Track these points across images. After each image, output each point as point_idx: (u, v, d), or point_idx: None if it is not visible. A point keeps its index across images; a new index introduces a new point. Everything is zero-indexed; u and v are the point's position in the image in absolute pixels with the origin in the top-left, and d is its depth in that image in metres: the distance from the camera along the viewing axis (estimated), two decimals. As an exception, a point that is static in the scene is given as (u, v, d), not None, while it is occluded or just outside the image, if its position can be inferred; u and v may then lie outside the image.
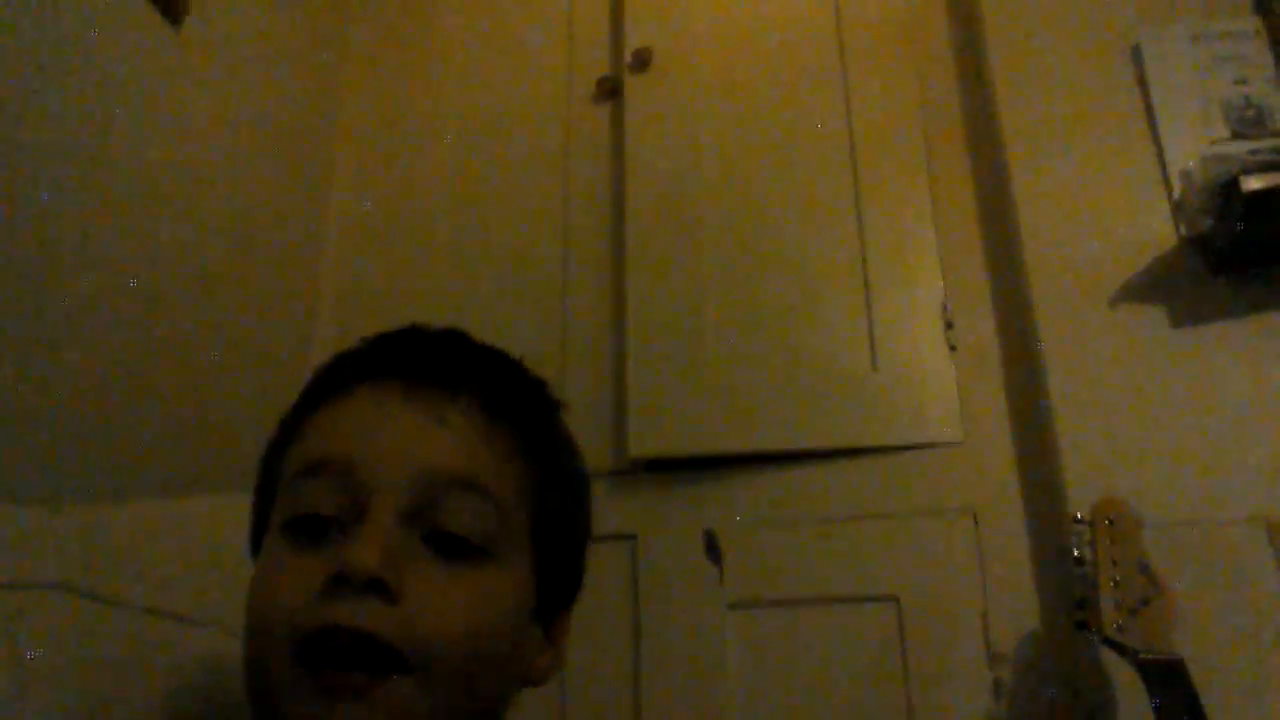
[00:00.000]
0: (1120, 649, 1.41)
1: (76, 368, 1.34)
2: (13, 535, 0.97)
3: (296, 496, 0.66)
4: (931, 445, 1.84)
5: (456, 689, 0.63)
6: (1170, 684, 1.35)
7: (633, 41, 2.18)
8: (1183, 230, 1.76)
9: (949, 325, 1.90)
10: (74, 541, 1.03)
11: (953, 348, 1.89)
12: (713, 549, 1.84)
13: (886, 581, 1.77)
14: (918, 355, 1.89)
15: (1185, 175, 1.75)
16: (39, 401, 1.27)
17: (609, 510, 1.87)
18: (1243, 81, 1.81)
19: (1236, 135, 1.77)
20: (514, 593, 0.67)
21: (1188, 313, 1.74)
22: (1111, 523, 1.48)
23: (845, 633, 1.75)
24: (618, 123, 2.18)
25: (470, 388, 0.69)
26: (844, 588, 1.78)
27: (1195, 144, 1.79)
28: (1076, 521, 1.51)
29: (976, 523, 1.78)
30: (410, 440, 0.65)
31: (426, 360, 0.70)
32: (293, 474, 0.67)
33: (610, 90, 2.21)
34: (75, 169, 1.36)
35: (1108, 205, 1.83)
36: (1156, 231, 1.79)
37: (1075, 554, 1.49)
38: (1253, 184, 1.58)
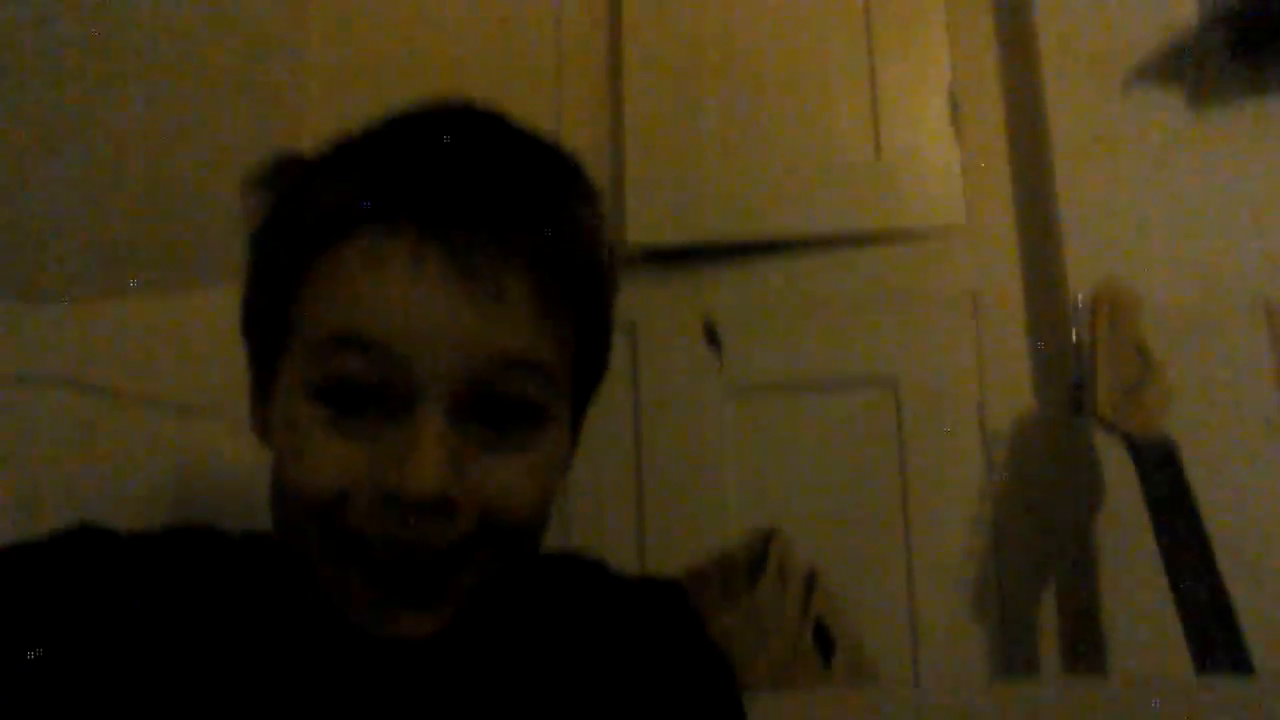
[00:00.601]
0: (1113, 430, 1.44)
1: (70, 162, 1.32)
2: (16, 332, 0.96)
3: (326, 365, 0.57)
4: (933, 230, 1.81)
5: (519, 552, 0.60)
6: (1160, 465, 1.38)
7: None
8: (1208, 6, 1.69)
9: (955, 107, 1.85)
10: (76, 337, 1.03)
11: (958, 131, 1.84)
12: (712, 336, 1.84)
13: (885, 366, 1.79)
14: (922, 138, 1.84)
15: (1211, -53, 1.66)
16: (34, 199, 1.25)
17: (608, 299, 1.86)
18: None
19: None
20: (563, 443, 0.62)
21: (1206, 93, 1.69)
22: (1112, 306, 1.48)
23: (843, 417, 1.78)
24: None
25: (522, 243, 0.57)
26: (843, 373, 1.80)
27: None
28: (1077, 305, 1.51)
29: (976, 307, 1.78)
30: (465, 321, 0.56)
31: (471, 200, 0.57)
32: (316, 337, 0.58)
33: None
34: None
35: (1126, -20, 1.75)
36: (1179, 9, 1.71)
37: (1074, 337, 1.50)
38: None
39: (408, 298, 0.56)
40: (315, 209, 0.60)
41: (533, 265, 0.57)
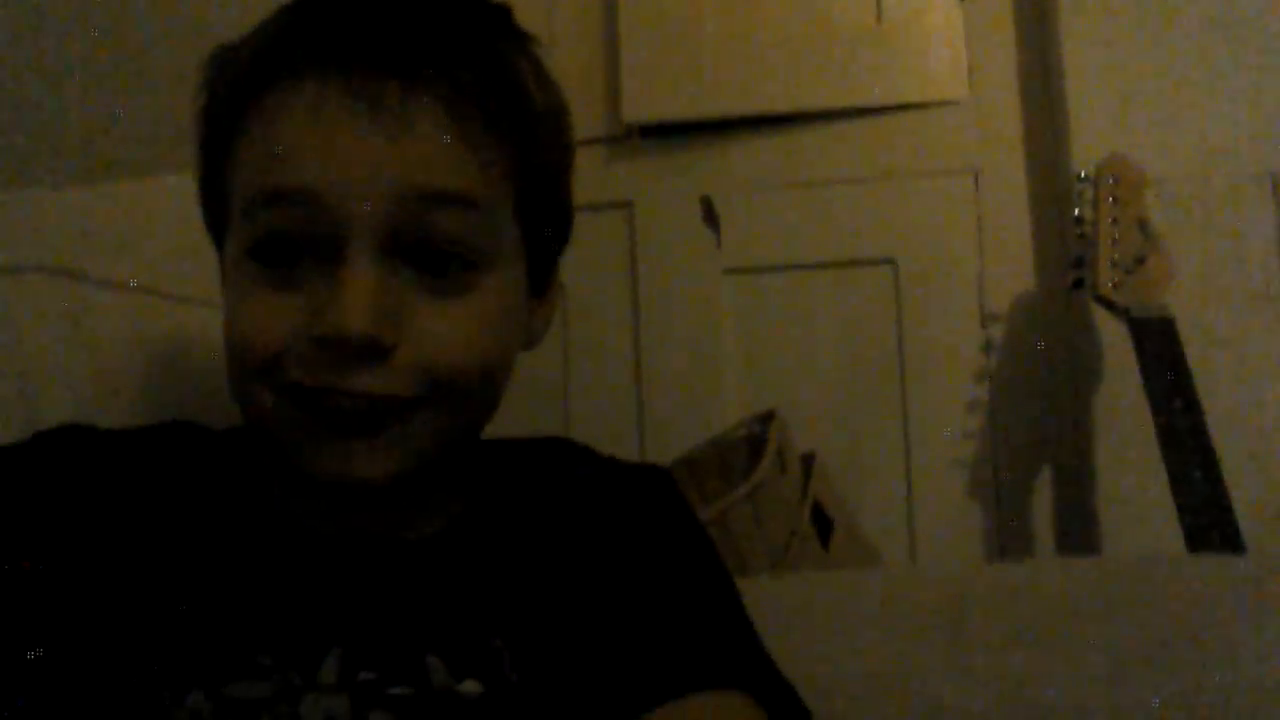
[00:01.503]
0: (1112, 307, 1.43)
1: (57, 50, 1.28)
2: (3, 220, 0.94)
3: (255, 224, 0.57)
4: (935, 103, 1.78)
5: (472, 407, 0.61)
6: (1159, 341, 1.38)
7: None
8: None
9: (960, -25, 1.79)
10: (63, 223, 1.01)
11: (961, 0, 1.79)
12: (710, 214, 1.82)
13: (884, 244, 1.77)
14: (924, 7, 1.79)
15: None
16: (20, 87, 1.22)
17: (604, 178, 1.84)
18: None
19: None
20: (512, 292, 0.62)
21: (1218, -36, 1.63)
22: (1115, 181, 1.46)
23: (841, 296, 1.77)
24: None
25: (430, 76, 0.56)
26: (841, 251, 1.78)
27: None
28: (1080, 180, 1.49)
29: (977, 183, 1.76)
30: (377, 157, 0.55)
31: (373, 39, 0.57)
32: (245, 198, 0.58)
33: None
34: None
35: None
36: None
37: (1076, 212, 1.48)
38: None
39: (317, 140, 0.56)
40: (233, 72, 0.61)
41: (446, 97, 0.57)
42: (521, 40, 0.64)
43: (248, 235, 0.58)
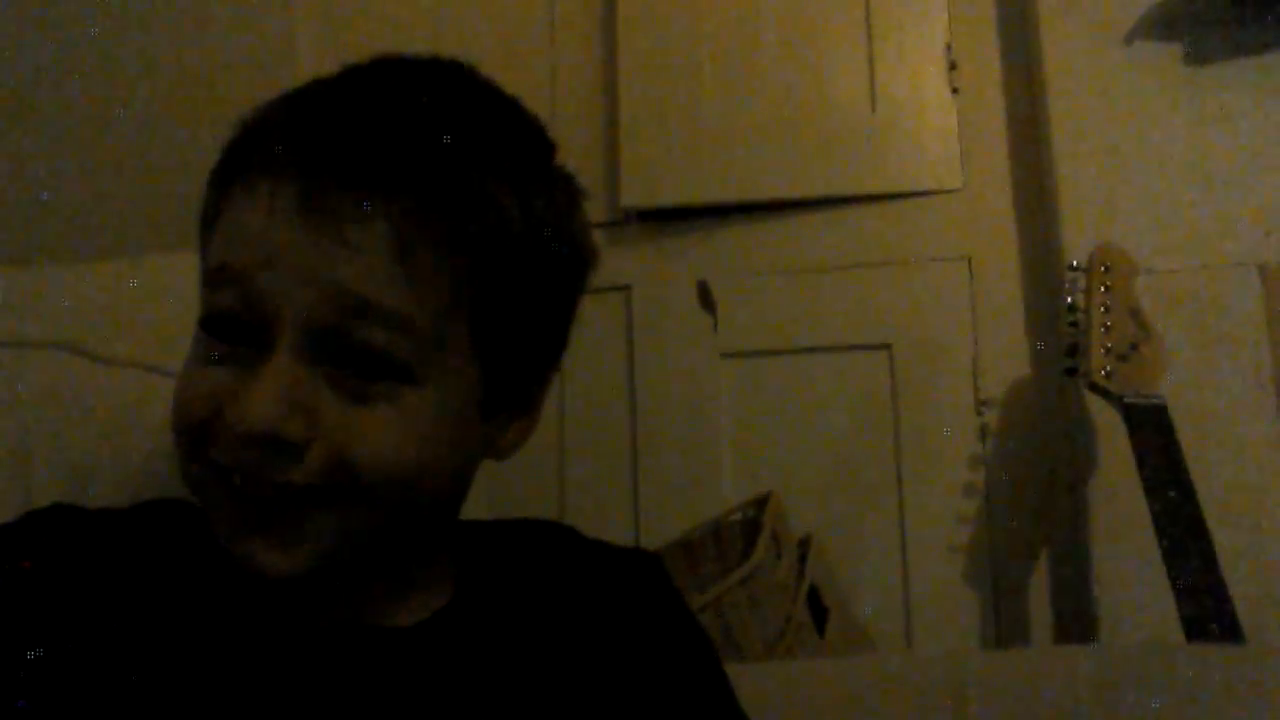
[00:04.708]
0: (1106, 394, 1.44)
1: (66, 129, 1.30)
2: (11, 296, 0.95)
3: (206, 297, 0.59)
4: (929, 191, 1.81)
5: (395, 512, 0.59)
6: (1153, 427, 1.38)
7: None
8: (1207, -40, 1.67)
9: (952, 66, 1.83)
10: (72, 300, 1.02)
11: (955, 90, 1.83)
12: (706, 299, 1.84)
13: (880, 329, 1.79)
14: (918, 98, 1.83)
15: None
16: (30, 166, 1.24)
17: (603, 261, 1.85)
18: None
19: None
20: (449, 410, 0.60)
21: (1203, 50, 1.68)
22: (1107, 269, 1.48)
23: (837, 380, 1.78)
24: None
25: (384, 198, 0.56)
26: (837, 336, 1.80)
27: None
28: (1072, 268, 1.51)
29: (971, 270, 1.78)
30: (313, 260, 0.56)
31: (331, 154, 0.57)
32: (205, 272, 0.60)
33: None
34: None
35: (1127, -66, 1.73)
36: (1178, -39, 1.70)
37: (1069, 300, 1.50)
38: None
39: (261, 231, 0.57)
40: (223, 157, 0.63)
41: (395, 216, 0.56)
42: (512, 159, 0.63)
43: (203, 307, 0.59)
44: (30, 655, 0.57)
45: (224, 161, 0.62)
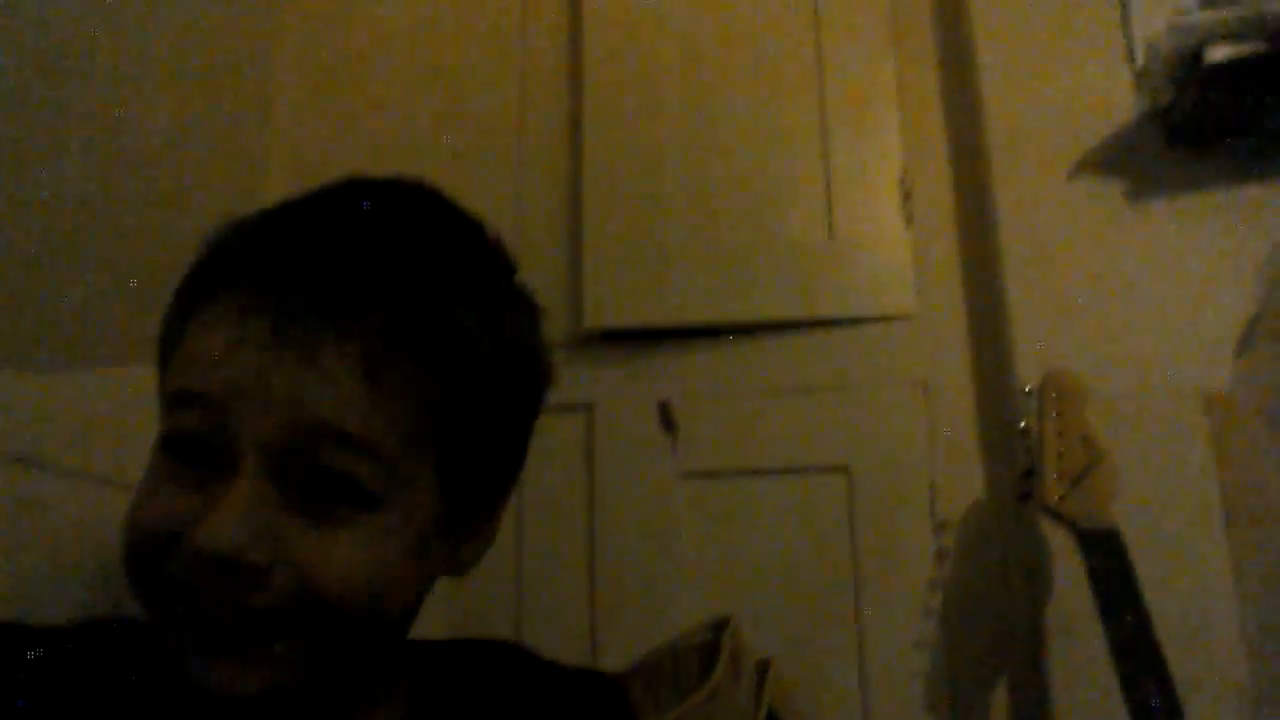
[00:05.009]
0: (1060, 519, 1.45)
1: (17, 235, 1.30)
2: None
3: (168, 418, 0.59)
4: (885, 317, 1.84)
5: (354, 633, 0.58)
6: (1106, 553, 1.39)
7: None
8: (1144, 102, 1.75)
9: (906, 196, 1.89)
10: (26, 411, 1.01)
11: (909, 220, 1.88)
12: (667, 419, 1.85)
13: (837, 452, 1.80)
14: (874, 227, 1.88)
15: (1150, 46, 1.73)
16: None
17: (564, 380, 1.84)
18: (1213, -50, 1.78)
19: (1205, 5, 1.74)
20: (413, 533, 0.60)
21: (1144, 186, 1.74)
22: (1058, 395, 1.51)
23: (796, 502, 1.79)
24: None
25: (354, 318, 0.57)
26: (795, 458, 1.81)
27: (1163, 14, 1.76)
28: (1025, 394, 1.53)
29: (927, 395, 1.81)
30: (277, 384, 0.56)
31: (301, 276, 0.58)
32: (167, 394, 0.60)
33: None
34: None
35: (1071, 77, 1.81)
36: (1118, 103, 1.77)
37: (1022, 425, 1.52)
38: (1216, 54, 1.56)
39: (228, 356, 0.57)
40: (188, 278, 0.63)
41: (361, 344, 0.57)
42: (477, 282, 0.64)
43: (164, 424, 0.59)
44: None
45: (190, 282, 0.63)
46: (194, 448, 0.58)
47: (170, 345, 0.63)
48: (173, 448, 0.58)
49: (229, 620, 0.55)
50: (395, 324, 0.58)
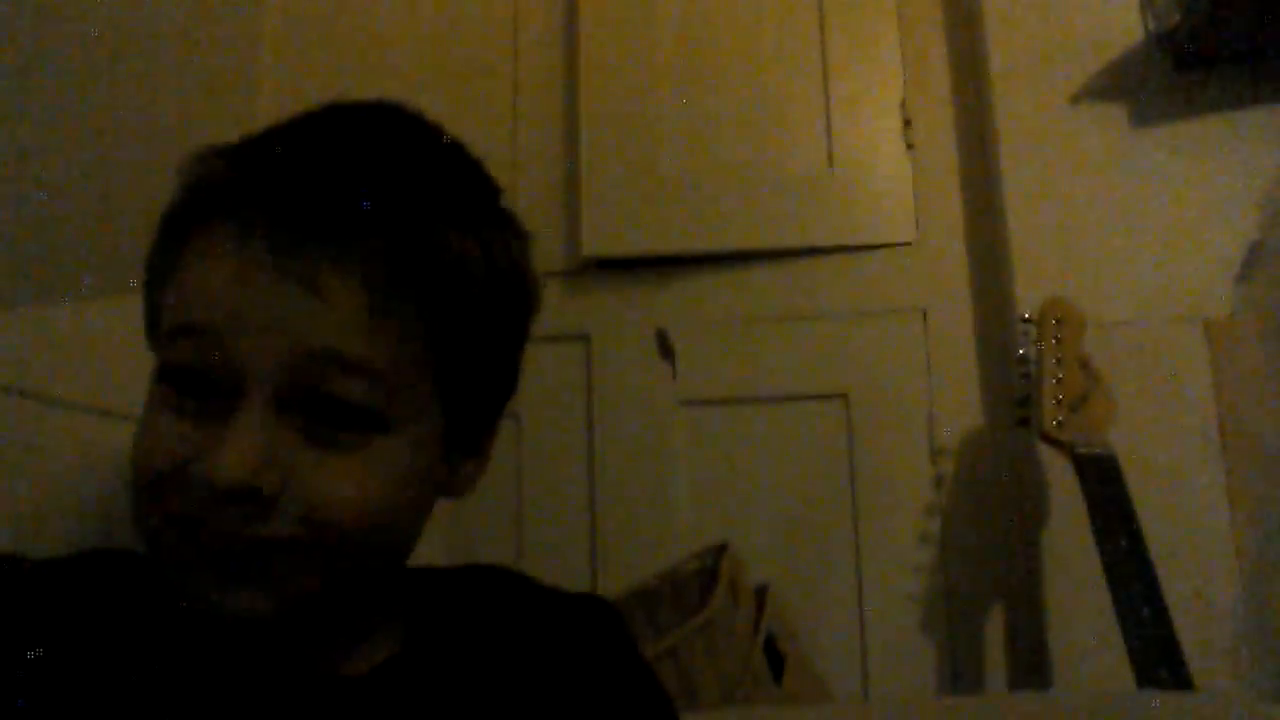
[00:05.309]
0: (1057, 444, 1.46)
1: (9, 168, 1.29)
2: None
3: (168, 350, 0.59)
4: (884, 245, 1.83)
5: (360, 556, 0.59)
6: (1102, 477, 1.40)
7: None
8: (1150, 25, 1.72)
9: (907, 123, 1.87)
10: (20, 344, 1.01)
11: (910, 146, 1.86)
12: (665, 348, 1.85)
13: (836, 379, 1.80)
14: (874, 154, 1.86)
15: (1156, -33, 1.70)
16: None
17: (563, 310, 1.87)
18: None
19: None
20: (418, 455, 0.61)
21: (1148, 111, 1.72)
22: (1057, 322, 1.50)
23: (794, 429, 1.79)
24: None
25: (351, 239, 0.57)
26: (794, 386, 1.81)
27: (1170, -67, 1.73)
28: (1024, 320, 1.53)
29: (926, 322, 1.80)
30: (282, 312, 0.56)
31: (301, 198, 0.57)
32: (165, 327, 0.59)
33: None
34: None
35: (1076, 1, 1.78)
36: (1123, 27, 1.75)
37: (1020, 352, 1.52)
38: (1224, -26, 1.53)
39: (229, 286, 0.56)
40: (179, 203, 0.62)
41: (362, 266, 0.57)
42: (470, 206, 0.64)
43: (162, 359, 0.59)
44: None
45: (181, 209, 0.62)
46: (195, 380, 0.57)
47: (161, 275, 0.62)
48: (173, 380, 0.58)
49: (240, 549, 0.55)
50: (395, 248, 0.58)
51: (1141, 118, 1.73)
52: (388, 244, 0.58)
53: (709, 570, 1.46)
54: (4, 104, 1.30)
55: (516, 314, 0.68)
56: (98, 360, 1.07)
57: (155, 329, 0.63)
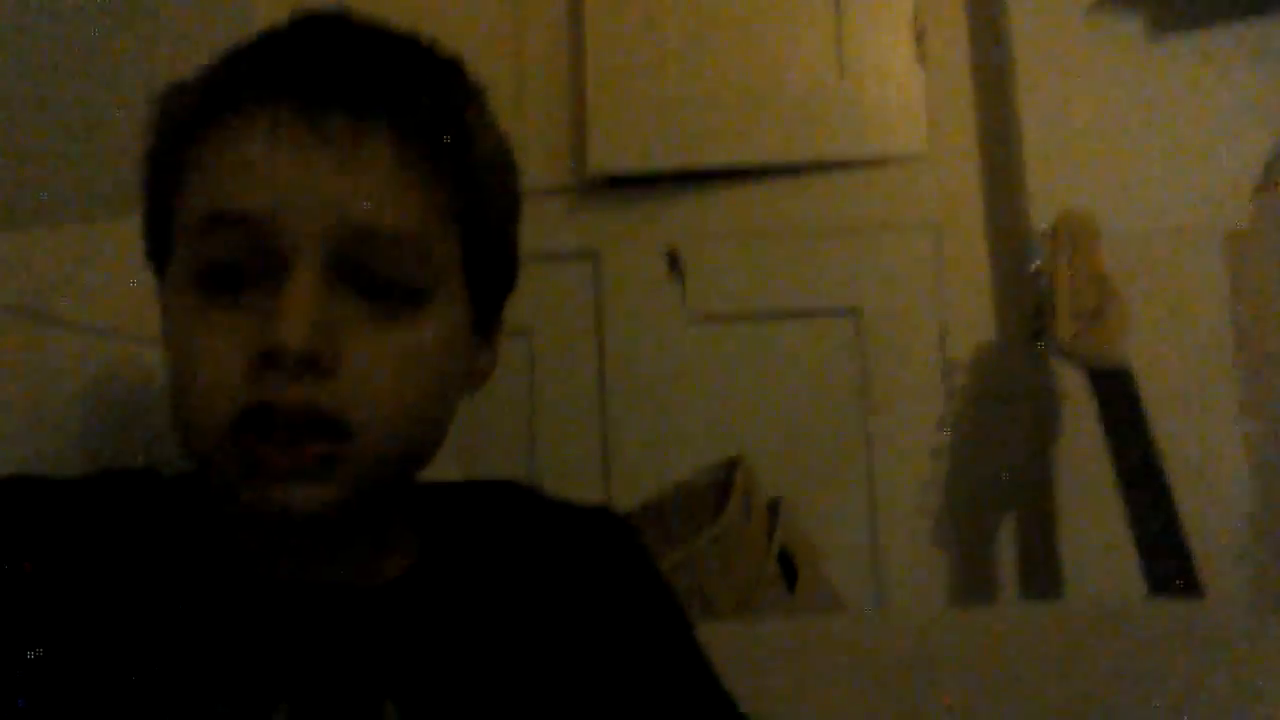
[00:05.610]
0: (1072, 358, 1.45)
1: (14, 89, 1.27)
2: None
3: (199, 251, 0.58)
4: (896, 158, 1.81)
5: (405, 444, 0.59)
6: (1117, 392, 1.40)
7: None
8: (1171, -72, 1.68)
9: (920, 35, 1.83)
10: (22, 265, 1.00)
11: (922, 58, 1.83)
12: (675, 265, 1.84)
13: (848, 295, 1.79)
14: (886, 67, 1.83)
15: None
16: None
17: (571, 227, 1.85)
18: None
19: None
20: (450, 329, 0.62)
21: (1166, 20, 1.69)
22: (1072, 235, 1.49)
23: (806, 345, 1.79)
24: None
25: (379, 111, 0.58)
26: (805, 302, 1.80)
27: None
28: (1038, 234, 1.52)
29: (938, 236, 1.79)
30: (323, 185, 0.56)
31: (324, 75, 0.58)
32: (192, 222, 0.59)
33: None
34: None
35: (1094, -98, 1.73)
36: (1143, -69, 1.70)
37: (1035, 265, 1.51)
38: None
39: (266, 165, 0.57)
40: (186, 104, 0.62)
41: (393, 135, 0.58)
42: (471, 91, 0.66)
43: (191, 263, 0.58)
44: None
45: (196, 105, 0.61)
46: (229, 274, 0.57)
47: (171, 177, 0.61)
48: (207, 280, 0.57)
49: (300, 421, 0.55)
50: (418, 119, 0.60)
51: (1159, 27, 1.70)
52: (410, 114, 0.59)
53: (722, 483, 1.46)
54: (8, 29, 1.28)
55: (512, 183, 0.69)
56: (109, 283, 1.06)
57: (164, 237, 0.62)
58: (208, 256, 0.57)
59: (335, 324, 0.56)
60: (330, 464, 0.56)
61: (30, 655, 0.56)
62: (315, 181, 0.56)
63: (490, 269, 0.66)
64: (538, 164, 1.79)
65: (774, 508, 1.48)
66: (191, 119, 0.61)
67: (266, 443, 0.55)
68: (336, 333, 0.56)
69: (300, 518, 0.56)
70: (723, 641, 0.74)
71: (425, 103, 0.60)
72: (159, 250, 0.64)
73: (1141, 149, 1.67)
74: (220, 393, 0.56)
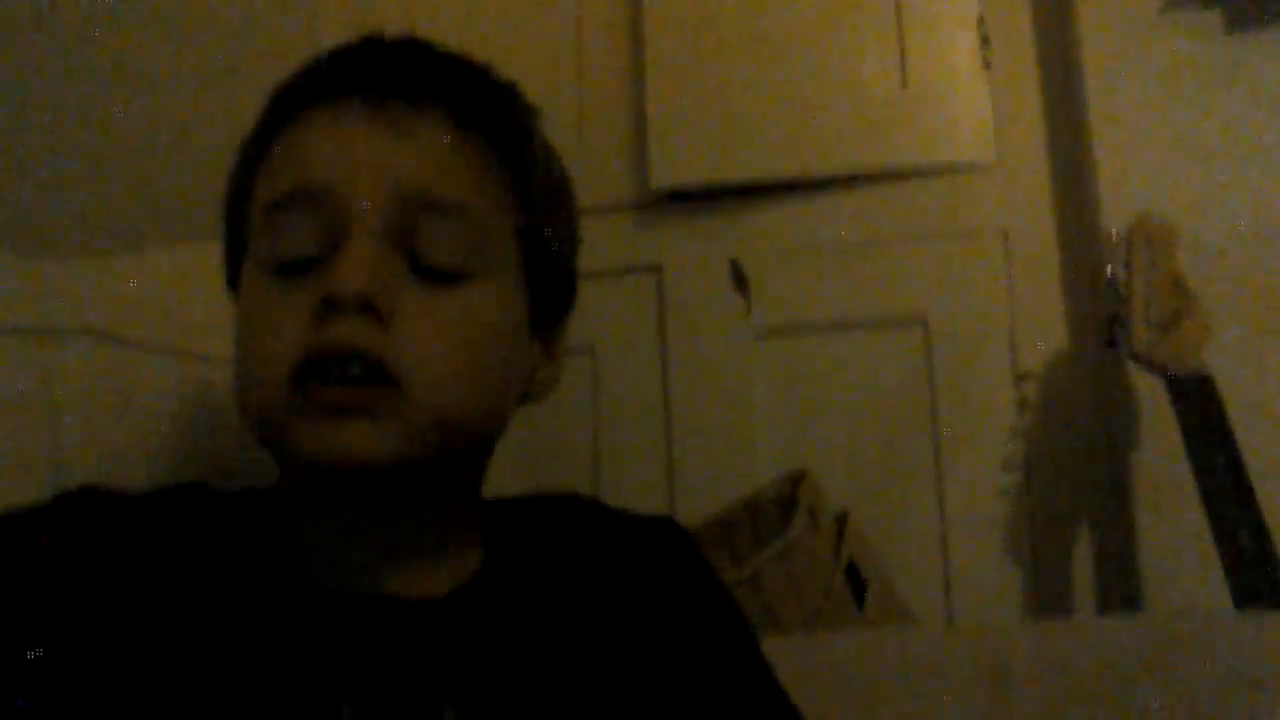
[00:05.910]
0: (1150, 365, 1.42)
1: (86, 121, 1.31)
2: (41, 285, 0.97)
3: (271, 235, 0.62)
4: (963, 166, 1.78)
5: (454, 413, 0.61)
6: (1198, 399, 1.36)
7: None
8: (1248, -80, 1.64)
9: (984, 41, 1.80)
10: (98, 288, 1.03)
11: (988, 64, 1.80)
12: (739, 278, 1.83)
13: (915, 305, 1.77)
14: (950, 73, 1.80)
15: None
16: (52, 158, 1.25)
17: (633, 242, 1.85)
18: None
19: None
20: (503, 308, 0.65)
21: (1243, 15, 1.64)
22: (1147, 239, 1.45)
23: (873, 357, 1.77)
24: None
25: (434, 97, 0.64)
26: (872, 312, 1.78)
27: None
28: (1111, 240, 1.48)
29: (1007, 244, 1.76)
30: (382, 157, 0.61)
31: (385, 71, 0.65)
32: (262, 209, 0.64)
33: None
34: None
35: (1164, -102, 1.70)
36: (1217, -71, 1.66)
37: (1109, 271, 1.47)
38: None
39: (330, 146, 0.62)
40: (266, 105, 0.68)
41: (449, 117, 0.64)
42: (527, 107, 0.71)
43: (264, 249, 0.63)
44: (54, 640, 0.57)
45: (273, 105, 0.67)
46: (297, 260, 0.61)
47: (249, 175, 0.67)
48: (276, 266, 0.61)
49: (357, 370, 0.58)
50: (472, 110, 0.65)
51: (1236, 24, 1.65)
52: (462, 101, 0.65)
53: (787, 498, 1.45)
54: (81, 58, 1.32)
55: (570, 203, 0.73)
56: (176, 305, 1.09)
57: (241, 232, 0.67)
58: (275, 233, 0.62)
59: (390, 282, 0.59)
60: (385, 408, 0.58)
61: (101, 664, 0.57)
62: (374, 155, 0.61)
63: (550, 263, 0.69)
64: (600, 181, 1.80)
65: (841, 522, 1.46)
66: (269, 117, 0.67)
67: (324, 385, 0.58)
68: (391, 290, 0.59)
69: (357, 460, 0.58)
70: (791, 657, 0.73)
71: (480, 98, 0.66)
72: (236, 244, 0.68)
73: (1218, 150, 1.62)
74: (282, 345, 0.59)
